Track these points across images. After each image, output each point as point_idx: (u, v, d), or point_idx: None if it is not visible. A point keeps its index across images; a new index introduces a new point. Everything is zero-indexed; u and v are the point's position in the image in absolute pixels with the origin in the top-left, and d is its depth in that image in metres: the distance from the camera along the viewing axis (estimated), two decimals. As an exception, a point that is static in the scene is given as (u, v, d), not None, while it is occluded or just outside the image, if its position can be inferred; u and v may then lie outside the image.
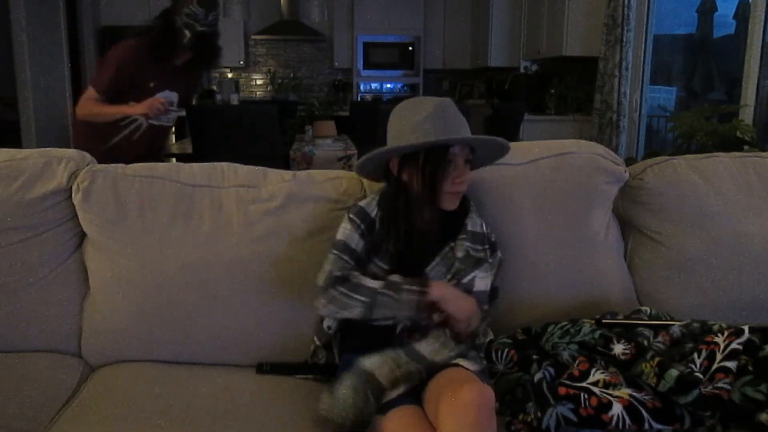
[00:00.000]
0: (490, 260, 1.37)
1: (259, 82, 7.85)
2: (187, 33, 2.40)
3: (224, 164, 1.53)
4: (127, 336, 1.43)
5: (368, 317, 1.26)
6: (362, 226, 1.33)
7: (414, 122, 1.27)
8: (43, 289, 1.44)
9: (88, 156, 1.53)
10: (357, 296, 1.26)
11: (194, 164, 1.53)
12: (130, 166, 1.50)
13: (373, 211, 1.34)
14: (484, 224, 1.39)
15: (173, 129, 6.30)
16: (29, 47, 5.52)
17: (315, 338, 1.39)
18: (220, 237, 1.42)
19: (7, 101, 5.68)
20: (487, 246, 1.38)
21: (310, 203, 1.46)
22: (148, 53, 2.44)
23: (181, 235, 1.42)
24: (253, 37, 7.53)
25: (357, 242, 1.32)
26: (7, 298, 1.42)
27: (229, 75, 7.79)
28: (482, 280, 1.35)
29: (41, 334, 1.44)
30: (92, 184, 1.43)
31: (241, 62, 7.53)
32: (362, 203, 1.36)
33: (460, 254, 1.33)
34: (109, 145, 2.45)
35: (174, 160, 3.73)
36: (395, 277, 1.28)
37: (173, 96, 2.55)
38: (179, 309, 1.41)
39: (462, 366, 1.19)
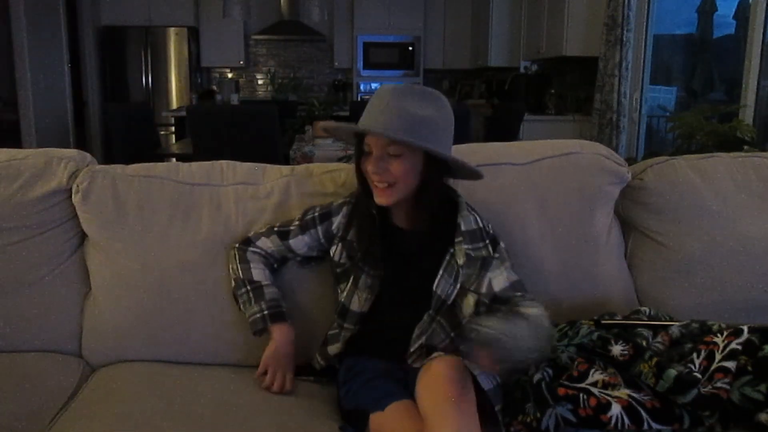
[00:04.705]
0: (496, 255, 1.30)
1: (259, 82, 7.85)
2: None
3: (223, 162, 1.53)
4: (127, 336, 1.43)
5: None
6: (319, 230, 1.35)
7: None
8: (43, 289, 1.44)
9: (88, 156, 1.53)
10: (235, 271, 1.36)
11: (193, 163, 1.53)
12: (130, 166, 1.50)
13: (337, 219, 1.34)
14: (478, 218, 1.32)
15: (173, 129, 6.33)
16: (29, 47, 5.52)
17: (318, 357, 1.37)
18: (220, 235, 1.42)
19: (7, 101, 5.68)
20: (487, 241, 1.31)
21: (309, 198, 1.46)
22: None
23: (180, 234, 1.42)
24: (253, 37, 7.54)
25: (301, 248, 1.37)
26: (8, 298, 1.42)
27: (229, 75, 7.80)
28: (498, 279, 1.28)
29: (41, 334, 1.44)
30: (91, 185, 1.43)
31: (241, 62, 7.54)
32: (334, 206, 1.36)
33: (461, 260, 1.26)
34: None
35: (174, 160, 3.73)
36: (270, 290, 1.34)
37: None
38: (179, 308, 1.41)
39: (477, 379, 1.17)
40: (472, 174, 1.30)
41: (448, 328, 1.28)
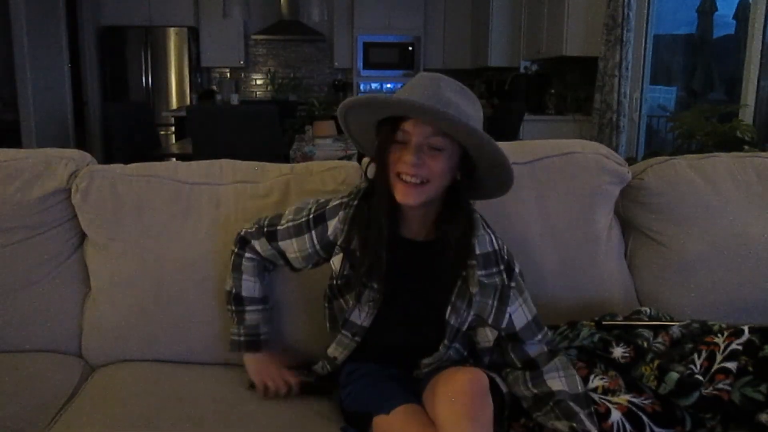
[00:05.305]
0: (512, 284, 1.19)
1: (259, 82, 7.85)
2: None
3: (222, 161, 1.53)
4: (127, 335, 1.43)
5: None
6: (314, 238, 1.24)
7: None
8: (43, 289, 1.44)
9: (87, 156, 1.53)
10: (228, 279, 1.32)
11: (192, 162, 1.53)
12: (129, 165, 1.50)
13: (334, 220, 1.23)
14: (494, 239, 1.20)
15: (173, 129, 6.34)
16: (29, 47, 5.52)
17: (323, 361, 1.31)
18: (219, 234, 1.42)
19: (7, 101, 5.68)
20: (501, 266, 1.19)
21: (309, 196, 1.44)
22: None
23: (180, 234, 1.42)
24: (253, 37, 7.54)
25: (291, 252, 1.27)
26: (7, 298, 1.42)
27: (229, 75, 7.80)
28: (518, 313, 1.20)
29: (41, 334, 1.44)
30: (91, 185, 1.43)
31: (241, 62, 7.53)
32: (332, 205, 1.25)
33: (474, 288, 1.16)
34: None
35: (174, 160, 3.72)
36: (252, 317, 1.30)
37: None
38: (179, 308, 1.41)
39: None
40: (500, 186, 1.18)
41: (462, 349, 1.24)
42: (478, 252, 1.17)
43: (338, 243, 1.23)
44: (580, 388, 1.16)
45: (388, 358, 1.26)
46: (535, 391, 1.17)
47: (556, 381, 1.17)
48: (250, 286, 1.31)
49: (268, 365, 1.30)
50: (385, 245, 1.17)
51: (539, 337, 1.22)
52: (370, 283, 1.19)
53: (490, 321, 1.19)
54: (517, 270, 1.23)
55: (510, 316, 1.19)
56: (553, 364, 1.19)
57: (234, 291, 1.32)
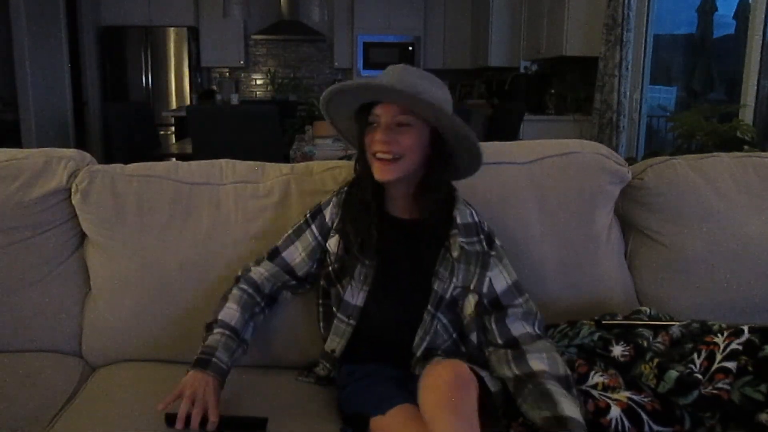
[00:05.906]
0: (492, 252, 1.28)
1: (259, 82, 7.86)
2: None
3: (222, 161, 1.53)
4: (127, 336, 1.43)
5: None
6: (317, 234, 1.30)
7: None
8: (43, 289, 1.44)
9: (87, 156, 1.53)
10: (216, 311, 1.28)
11: (192, 162, 1.53)
12: (129, 165, 1.50)
13: (330, 210, 1.31)
14: (474, 213, 1.30)
15: (173, 129, 6.33)
16: (29, 47, 5.52)
17: (322, 361, 1.34)
18: (219, 234, 1.42)
19: (7, 101, 5.68)
20: (481, 236, 1.28)
21: (309, 196, 1.46)
22: None
23: (180, 234, 1.42)
24: (253, 37, 7.54)
25: (296, 256, 1.31)
26: (8, 298, 1.42)
27: (229, 75, 7.80)
28: (498, 278, 1.27)
29: (41, 334, 1.44)
30: (91, 185, 1.43)
31: (241, 62, 7.54)
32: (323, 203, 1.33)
33: (455, 253, 1.24)
34: None
35: (174, 160, 3.72)
36: (214, 338, 1.21)
37: None
38: (179, 308, 1.41)
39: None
40: (471, 161, 1.25)
41: (450, 328, 1.27)
42: (459, 222, 1.26)
43: (333, 226, 1.30)
44: (563, 371, 1.16)
45: (382, 348, 1.28)
46: (517, 372, 1.17)
47: (538, 362, 1.17)
48: (229, 313, 1.27)
49: (202, 386, 1.14)
50: (374, 221, 1.25)
51: (520, 300, 1.27)
52: (362, 258, 1.25)
53: (472, 287, 1.24)
54: (498, 242, 1.31)
55: (490, 279, 1.26)
56: (536, 345, 1.21)
57: (214, 314, 1.28)
